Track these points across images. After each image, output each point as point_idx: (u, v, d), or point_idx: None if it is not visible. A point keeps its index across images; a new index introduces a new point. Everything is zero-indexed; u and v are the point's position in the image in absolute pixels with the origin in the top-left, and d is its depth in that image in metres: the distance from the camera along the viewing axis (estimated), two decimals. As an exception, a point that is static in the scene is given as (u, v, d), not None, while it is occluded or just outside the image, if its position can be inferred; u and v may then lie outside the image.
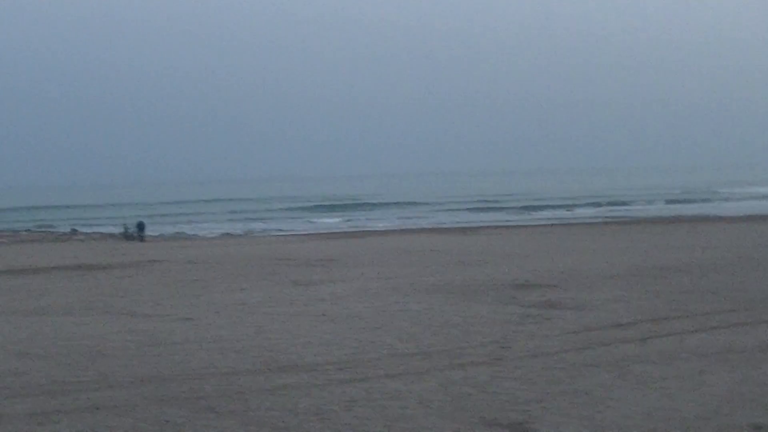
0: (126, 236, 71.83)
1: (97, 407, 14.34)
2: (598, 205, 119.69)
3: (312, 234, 74.71)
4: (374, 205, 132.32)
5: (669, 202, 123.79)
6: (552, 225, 78.30)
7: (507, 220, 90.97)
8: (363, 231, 77.25)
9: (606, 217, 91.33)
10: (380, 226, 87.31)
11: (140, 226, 70.89)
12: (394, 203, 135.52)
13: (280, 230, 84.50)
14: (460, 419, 13.51)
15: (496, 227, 75.68)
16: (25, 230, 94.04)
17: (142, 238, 69.06)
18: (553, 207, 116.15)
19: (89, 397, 15.07)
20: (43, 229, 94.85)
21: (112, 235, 77.74)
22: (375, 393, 15.14)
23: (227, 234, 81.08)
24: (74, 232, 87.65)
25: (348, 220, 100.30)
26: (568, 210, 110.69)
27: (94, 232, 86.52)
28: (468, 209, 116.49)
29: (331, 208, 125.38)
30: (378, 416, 13.75)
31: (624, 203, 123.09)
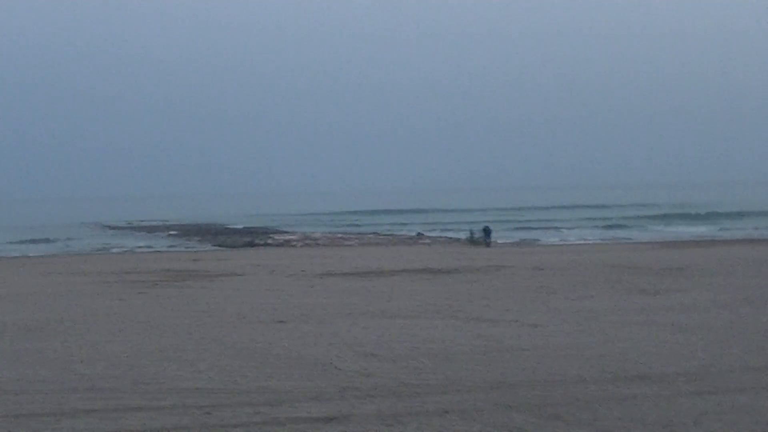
0: (472, 241, 72.62)
1: (445, 411, 14.45)
2: None
3: (661, 242, 73.28)
4: (727, 214, 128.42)
5: None
6: None
7: None
8: (713, 240, 75.32)
9: None
10: (729, 235, 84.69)
11: (486, 231, 71.41)
12: (749, 212, 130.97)
13: (629, 238, 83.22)
14: (818, 440, 12.88)
15: None
16: (372, 233, 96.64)
17: (488, 244, 69.59)
18: None
19: (437, 400, 15.20)
20: (389, 233, 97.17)
21: (457, 240, 78.76)
22: (725, 407, 14.60)
23: (580, 240, 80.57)
24: (420, 235, 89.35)
25: (699, 229, 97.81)
26: None
27: (439, 236, 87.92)
28: None
29: (683, 217, 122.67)
30: (729, 431, 13.28)
31: None
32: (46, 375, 18.04)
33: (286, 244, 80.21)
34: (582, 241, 79.05)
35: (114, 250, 78.31)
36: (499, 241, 74.53)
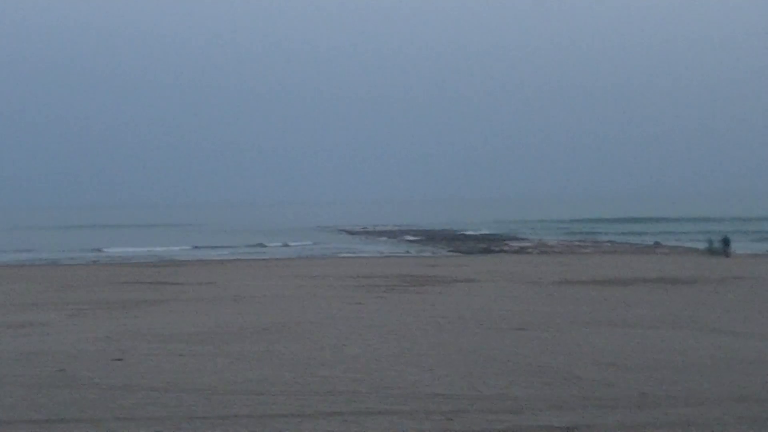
0: (710, 251, 71.14)
1: (688, 423, 14.22)
2: None
3: None
4: None
5: None
6: None
7: None
8: None
9: None
10: None
11: (726, 242, 69.86)
12: None
13: None
14: None
15: None
16: (608, 241, 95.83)
17: (727, 254, 68.02)
18: None
19: (680, 412, 14.97)
20: (625, 241, 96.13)
21: (695, 250, 77.29)
22: None
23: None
24: (657, 244, 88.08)
25: None
26: None
27: (677, 246, 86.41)
28: None
29: None
30: None
31: None
32: (287, 376, 18.46)
33: (522, 251, 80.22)
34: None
35: (351, 254, 79.56)
36: (738, 252, 72.65)
